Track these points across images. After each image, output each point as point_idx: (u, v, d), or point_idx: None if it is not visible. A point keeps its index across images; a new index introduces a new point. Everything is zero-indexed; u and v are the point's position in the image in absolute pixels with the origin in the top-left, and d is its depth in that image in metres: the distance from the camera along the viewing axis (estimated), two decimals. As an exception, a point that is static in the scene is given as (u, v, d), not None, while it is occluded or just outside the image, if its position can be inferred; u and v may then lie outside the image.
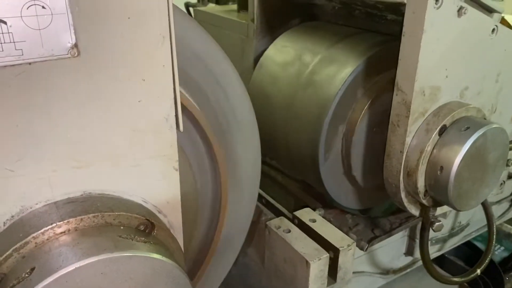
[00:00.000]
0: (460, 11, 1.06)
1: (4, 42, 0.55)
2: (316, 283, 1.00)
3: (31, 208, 0.63)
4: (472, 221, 1.76)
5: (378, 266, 1.67)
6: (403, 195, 1.20)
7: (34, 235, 0.60)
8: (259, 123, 1.23)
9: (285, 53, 1.44)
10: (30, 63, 0.57)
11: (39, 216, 0.62)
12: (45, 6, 0.56)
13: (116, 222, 0.65)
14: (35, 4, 0.55)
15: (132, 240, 0.63)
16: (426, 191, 1.17)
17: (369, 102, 1.23)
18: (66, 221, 0.61)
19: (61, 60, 0.59)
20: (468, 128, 1.10)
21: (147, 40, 0.65)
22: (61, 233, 0.61)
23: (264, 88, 1.45)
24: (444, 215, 1.62)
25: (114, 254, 0.59)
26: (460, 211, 1.21)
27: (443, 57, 1.09)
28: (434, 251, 1.77)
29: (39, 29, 0.56)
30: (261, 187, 1.72)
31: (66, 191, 0.66)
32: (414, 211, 1.25)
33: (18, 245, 0.59)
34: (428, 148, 1.11)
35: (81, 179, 0.67)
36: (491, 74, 1.22)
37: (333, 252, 1.04)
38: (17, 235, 0.60)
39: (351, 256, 1.05)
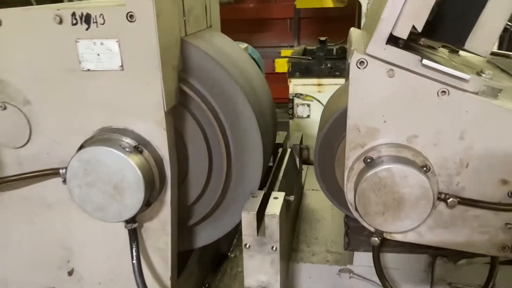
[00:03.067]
0: (389, 72, 1.37)
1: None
2: (248, 229, 1.57)
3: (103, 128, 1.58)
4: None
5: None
6: (350, 205, 1.57)
7: (93, 134, 1.55)
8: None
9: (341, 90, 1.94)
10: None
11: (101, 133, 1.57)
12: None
13: (125, 140, 1.52)
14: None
15: (124, 148, 1.49)
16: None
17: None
18: (98, 131, 1.54)
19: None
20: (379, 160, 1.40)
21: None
22: (95, 139, 1.54)
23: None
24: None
25: (108, 148, 1.47)
26: (375, 229, 1.47)
27: (378, 106, 1.42)
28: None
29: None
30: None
31: (108, 125, 1.58)
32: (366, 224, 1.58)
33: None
34: (354, 170, 1.47)
35: (124, 121, 1.57)
36: (449, 130, 1.39)
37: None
38: (95, 138, 1.56)
39: (276, 223, 1.54)
